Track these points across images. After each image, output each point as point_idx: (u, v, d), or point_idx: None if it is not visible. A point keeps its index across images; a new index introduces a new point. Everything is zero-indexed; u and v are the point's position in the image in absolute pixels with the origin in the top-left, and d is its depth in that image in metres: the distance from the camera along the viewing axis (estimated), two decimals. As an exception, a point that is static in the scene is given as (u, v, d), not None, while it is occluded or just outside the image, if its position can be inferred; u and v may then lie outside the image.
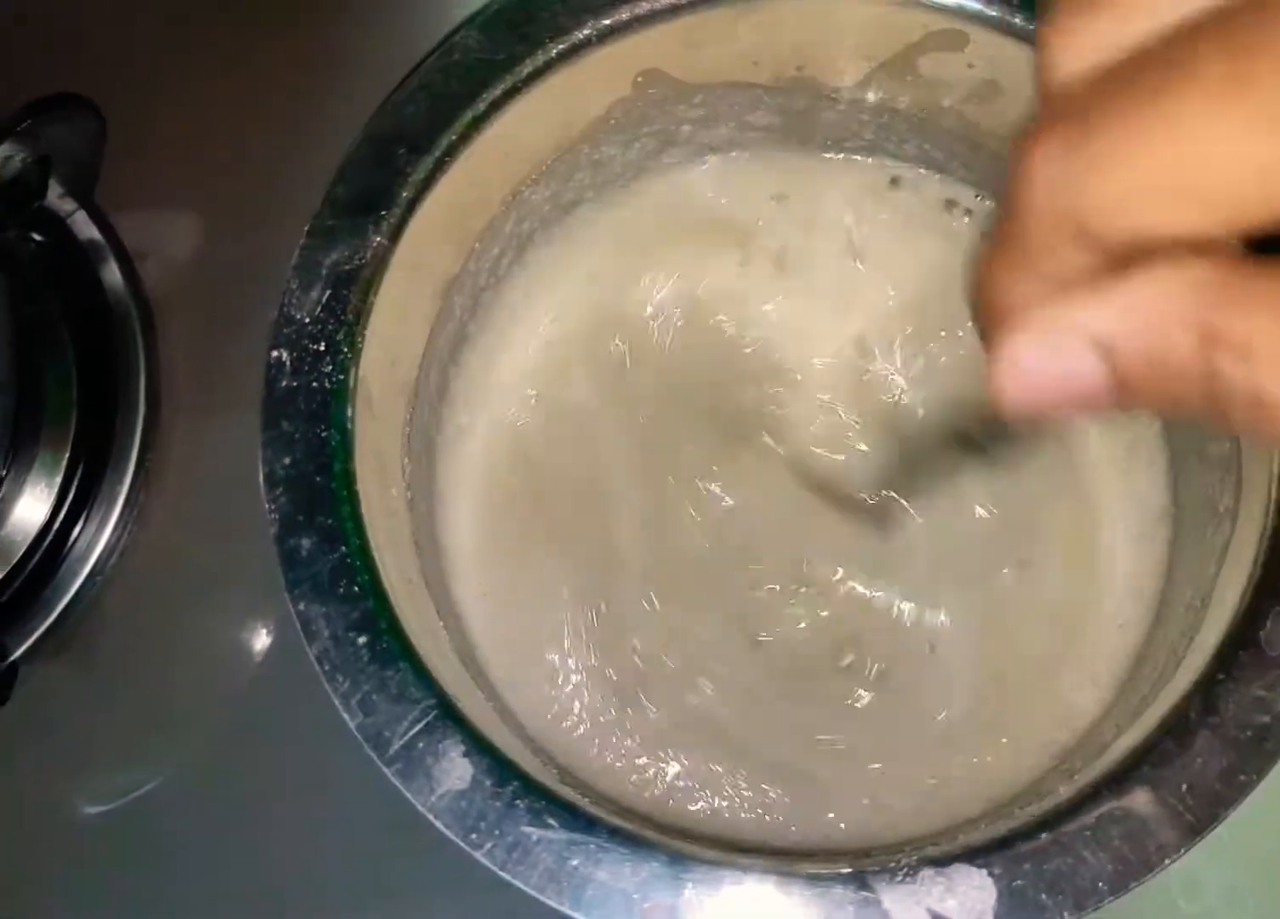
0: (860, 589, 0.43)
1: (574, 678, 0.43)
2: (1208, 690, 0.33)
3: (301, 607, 0.35)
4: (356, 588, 0.35)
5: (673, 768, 0.41)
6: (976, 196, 0.47)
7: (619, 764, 0.41)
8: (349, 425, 0.37)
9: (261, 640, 0.51)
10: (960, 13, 0.40)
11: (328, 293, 0.38)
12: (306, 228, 0.38)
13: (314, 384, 0.37)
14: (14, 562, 0.52)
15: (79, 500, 0.52)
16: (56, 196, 0.54)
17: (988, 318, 0.22)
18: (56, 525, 0.52)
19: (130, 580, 0.52)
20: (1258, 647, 0.33)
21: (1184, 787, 0.32)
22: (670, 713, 0.42)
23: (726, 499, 0.45)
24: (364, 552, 0.35)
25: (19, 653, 0.51)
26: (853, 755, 0.41)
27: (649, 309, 0.47)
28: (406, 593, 0.37)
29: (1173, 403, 0.20)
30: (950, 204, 0.47)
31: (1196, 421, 0.41)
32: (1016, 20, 0.40)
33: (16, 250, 0.53)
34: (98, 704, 0.51)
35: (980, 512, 0.43)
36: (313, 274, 0.38)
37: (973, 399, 0.45)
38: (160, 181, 0.56)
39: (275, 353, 0.37)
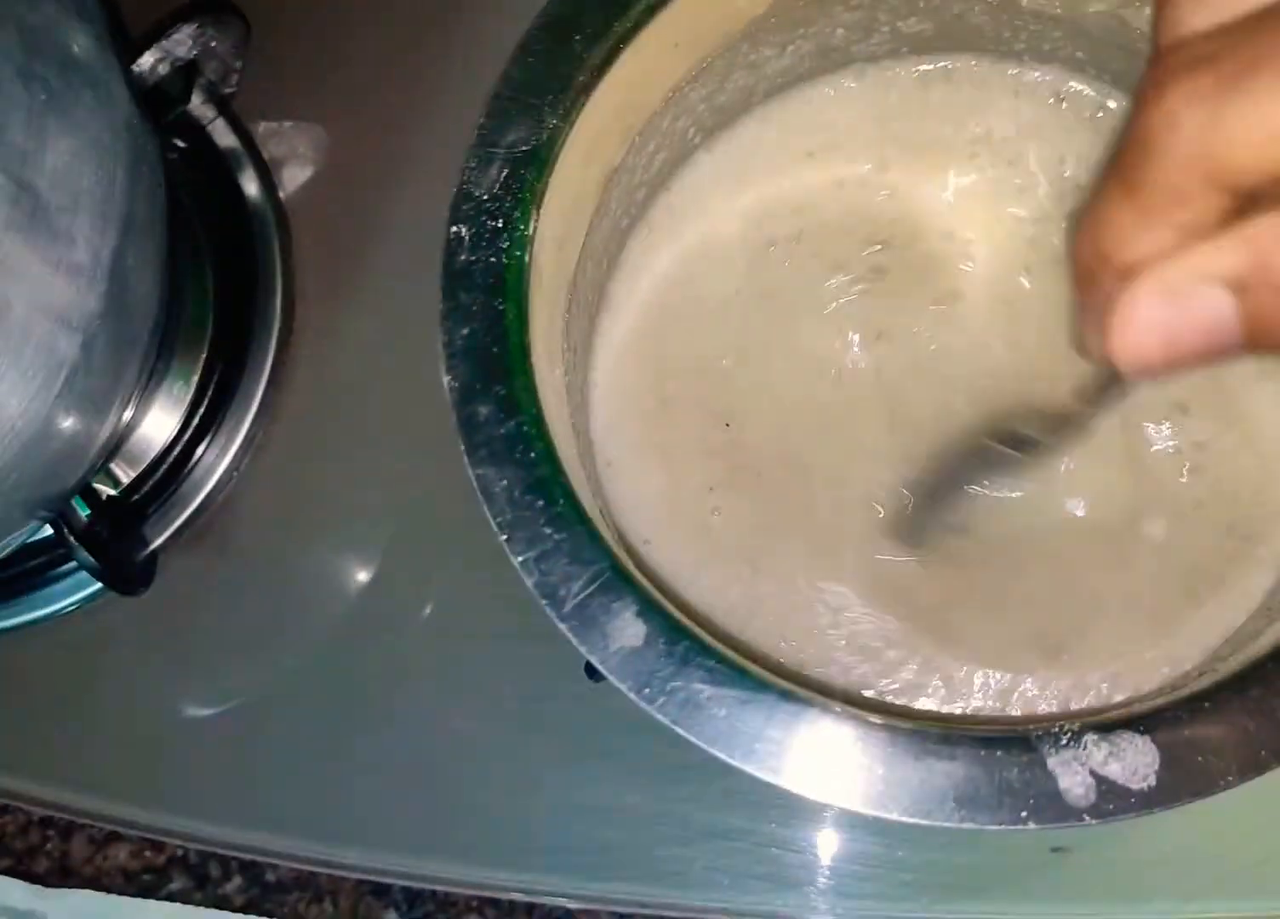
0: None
1: (716, 550, 0.44)
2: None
3: (480, 471, 0.36)
4: (533, 455, 0.36)
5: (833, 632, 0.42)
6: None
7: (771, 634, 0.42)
8: (524, 301, 0.38)
9: (380, 544, 0.53)
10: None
11: (505, 171, 0.38)
12: (485, 108, 0.39)
13: (491, 259, 0.38)
14: (152, 459, 0.53)
15: (215, 401, 0.54)
16: (199, 103, 0.55)
17: (1104, 270, 0.22)
18: (194, 424, 0.53)
19: (263, 479, 0.53)
20: None
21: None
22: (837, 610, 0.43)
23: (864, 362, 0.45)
24: (539, 421, 0.36)
25: (159, 542, 0.53)
26: (1049, 614, 0.42)
27: (799, 215, 0.48)
28: (572, 464, 0.38)
29: None
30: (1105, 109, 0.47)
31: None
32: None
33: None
34: (228, 595, 0.53)
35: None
36: (490, 153, 0.39)
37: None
38: (298, 91, 0.57)
39: (455, 228, 0.38)
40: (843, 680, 0.41)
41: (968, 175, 0.47)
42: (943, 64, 0.48)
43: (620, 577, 0.35)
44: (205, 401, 0.54)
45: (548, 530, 0.35)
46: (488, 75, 0.40)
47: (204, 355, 0.54)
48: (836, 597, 0.43)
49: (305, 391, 0.54)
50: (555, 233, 0.40)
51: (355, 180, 0.56)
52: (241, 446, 0.54)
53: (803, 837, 0.47)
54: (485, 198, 0.38)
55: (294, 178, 0.56)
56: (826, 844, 0.46)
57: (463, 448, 0.36)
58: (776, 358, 0.46)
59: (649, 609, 0.34)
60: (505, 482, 0.35)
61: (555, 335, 0.41)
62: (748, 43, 0.44)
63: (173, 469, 0.54)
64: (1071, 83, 0.47)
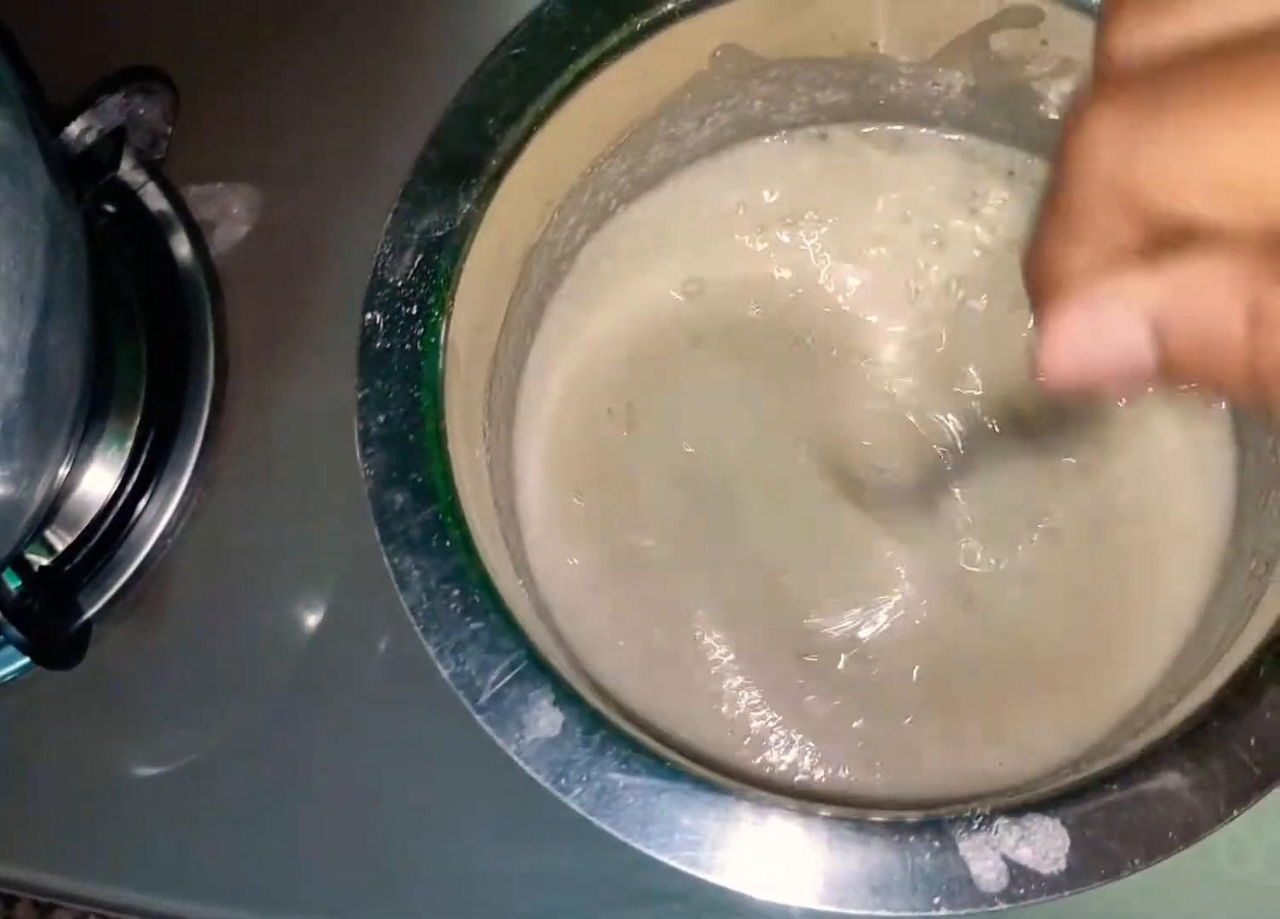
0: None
1: (644, 641, 0.45)
2: (1271, 652, 0.34)
3: (396, 560, 0.36)
4: (449, 543, 0.36)
5: (752, 722, 0.42)
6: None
7: (695, 720, 0.42)
8: (440, 387, 0.38)
9: (322, 604, 0.52)
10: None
11: (419, 258, 0.39)
12: (399, 192, 0.39)
13: (406, 346, 0.38)
14: (86, 525, 0.53)
15: (149, 466, 0.53)
16: (129, 168, 0.55)
17: (1038, 289, 0.22)
18: (128, 489, 0.53)
19: (199, 543, 0.53)
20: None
21: (1251, 741, 0.33)
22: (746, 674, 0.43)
23: (800, 460, 0.46)
24: (455, 508, 0.37)
25: (92, 612, 0.52)
26: (926, 714, 0.43)
27: (720, 283, 0.48)
28: (492, 550, 0.38)
29: (1216, 380, 0.20)
30: (1015, 175, 0.48)
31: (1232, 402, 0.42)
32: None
33: (90, 221, 0.54)
34: (166, 663, 0.52)
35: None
36: (405, 239, 0.39)
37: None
38: (229, 154, 0.57)
39: (369, 315, 0.38)
40: (756, 765, 0.41)
41: (886, 241, 0.48)
42: (863, 131, 0.48)
43: (537, 665, 0.35)
44: (140, 465, 0.53)
45: (464, 620, 0.35)
46: (420, 134, 0.40)
47: (138, 419, 0.54)
48: (745, 681, 0.43)
49: (241, 454, 0.54)
50: (472, 315, 0.40)
51: (288, 243, 0.56)
52: (177, 511, 0.53)
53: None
54: (400, 284, 0.38)
55: (227, 241, 0.56)
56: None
57: (378, 537, 0.36)
58: (697, 428, 0.46)
59: (565, 698, 0.35)
60: (421, 571, 0.36)
61: (475, 415, 0.41)
62: (665, 117, 0.45)
63: (108, 534, 0.53)
64: (988, 148, 0.48)
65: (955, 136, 0.48)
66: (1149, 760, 0.34)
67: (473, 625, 0.35)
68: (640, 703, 0.42)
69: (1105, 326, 0.21)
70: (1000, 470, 0.45)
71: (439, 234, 0.39)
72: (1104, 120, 0.20)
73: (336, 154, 0.56)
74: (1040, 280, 0.22)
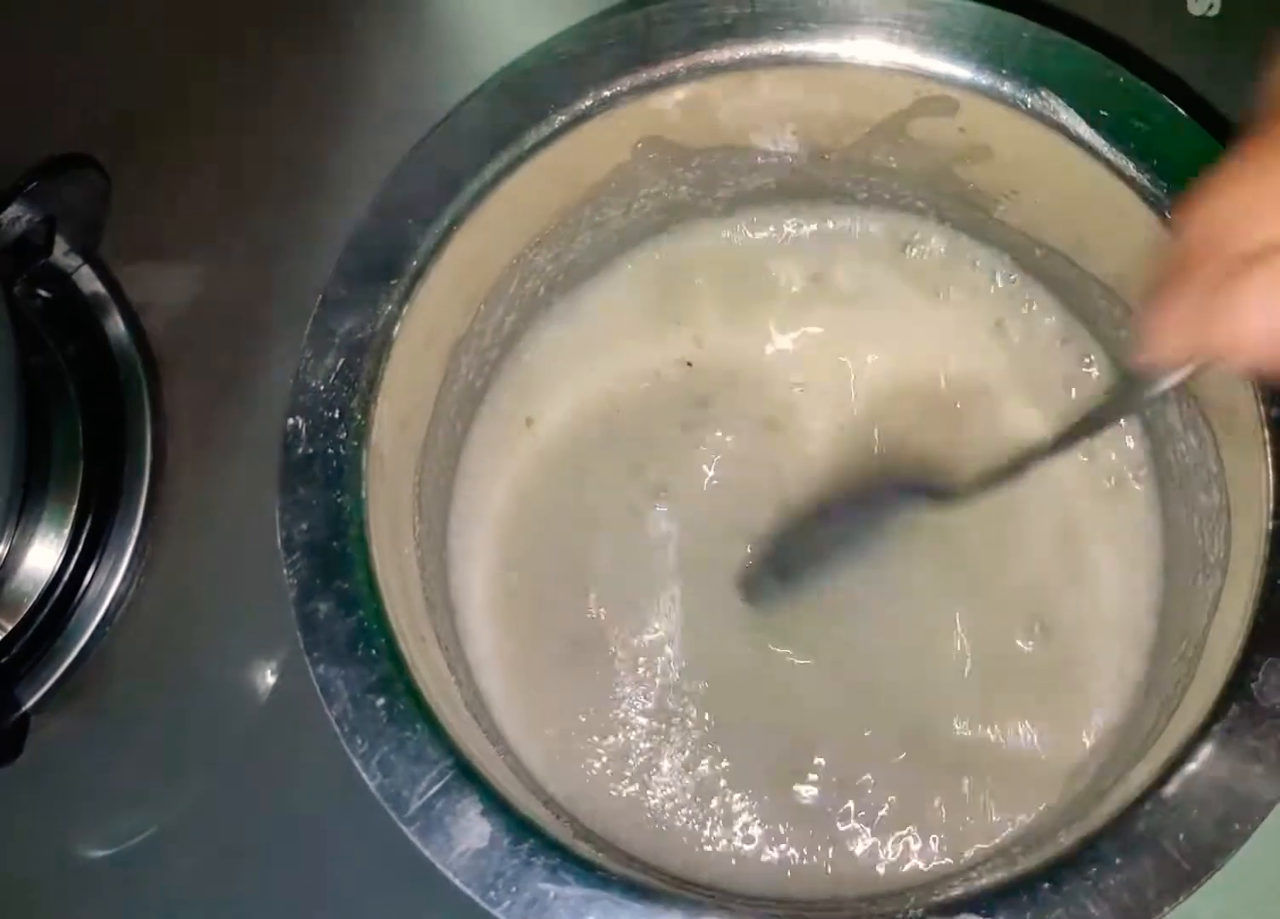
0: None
1: (586, 733, 0.44)
2: (1202, 742, 0.35)
3: (320, 670, 0.35)
4: (374, 651, 0.36)
5: (685, 822, 0.42)
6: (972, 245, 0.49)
7: (632, 816, 0.42)
8: (363, 490, 0.38)
9: (266, 687, 0.52)
10: (950, 81, 0.41)
11: (341, 361, 0.39)
12: (319, 298, 0.39)
13: (329, 451, 0.38)
14: (24, 613, 0.52)
15: (87, 551, 0.53)
16: (62, 253, 0.55)
17: (1217, 257, 0.24)
18: (66, 576, 0.52)
19: (139, 629, 0.53)
20: (1250, 698, 0.35)
21: (1180, 836, 0.34)
22: (679, 773, 0.44)
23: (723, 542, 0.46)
24: (380, 615, 0.36)
25: (30, 704, 0.52)
26: (855, 809, 0.43)
27: (651, 368, 0.48)
28: (420, 651, 0.38)
29: None
30: (958, 258, 0.49)
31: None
32: (1005, 88, 0.41)
33: (24, 305, 0.54)
34: (107, 751, 0.52)
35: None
36: (326, 343, 0.39)
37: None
38: (163, 236, 0.57)
39: (291, 420, 0.38)
40: (679, 863, 0.41)
41: (812, 323, 0.48)
42: (790, 218, 0.49)
43: (465, 774, 0.35)
44: (79, 548, 0.53)
45: (390, 729, 0.35)
46: (355, 214, 0.41)
47: (76, 500, 0.53)
48: (670, 773, 0.44)
49: (180, 533, 0.53)
50: (398, 414, 0.40)
51: (224, 322, 0.56)
52: (117, 594, 0.53)
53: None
54: (321, 388, 0.38)
55: (162, 321, 0.56)
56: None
57: (302, 646, 0.35)
58: (628, 517, 0.46)
59: (494, 807, 0.34)
60: (345, 680, 0.35)
61: (404, 512, 0.41)
62: (591, 207, 0.45)
63: (48, 621, 0.52)
64: (913, 229, 0.48)
65: (881, 215, 0.49)
66: (1080, 856, 0.34)
67: (399, 735, 0.35)
68: (566, 795, 0.42)
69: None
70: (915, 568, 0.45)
71: (360, 336, 0.39)
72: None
73: (268, 234, 0.56)
74: (1217, 245, 0.24)
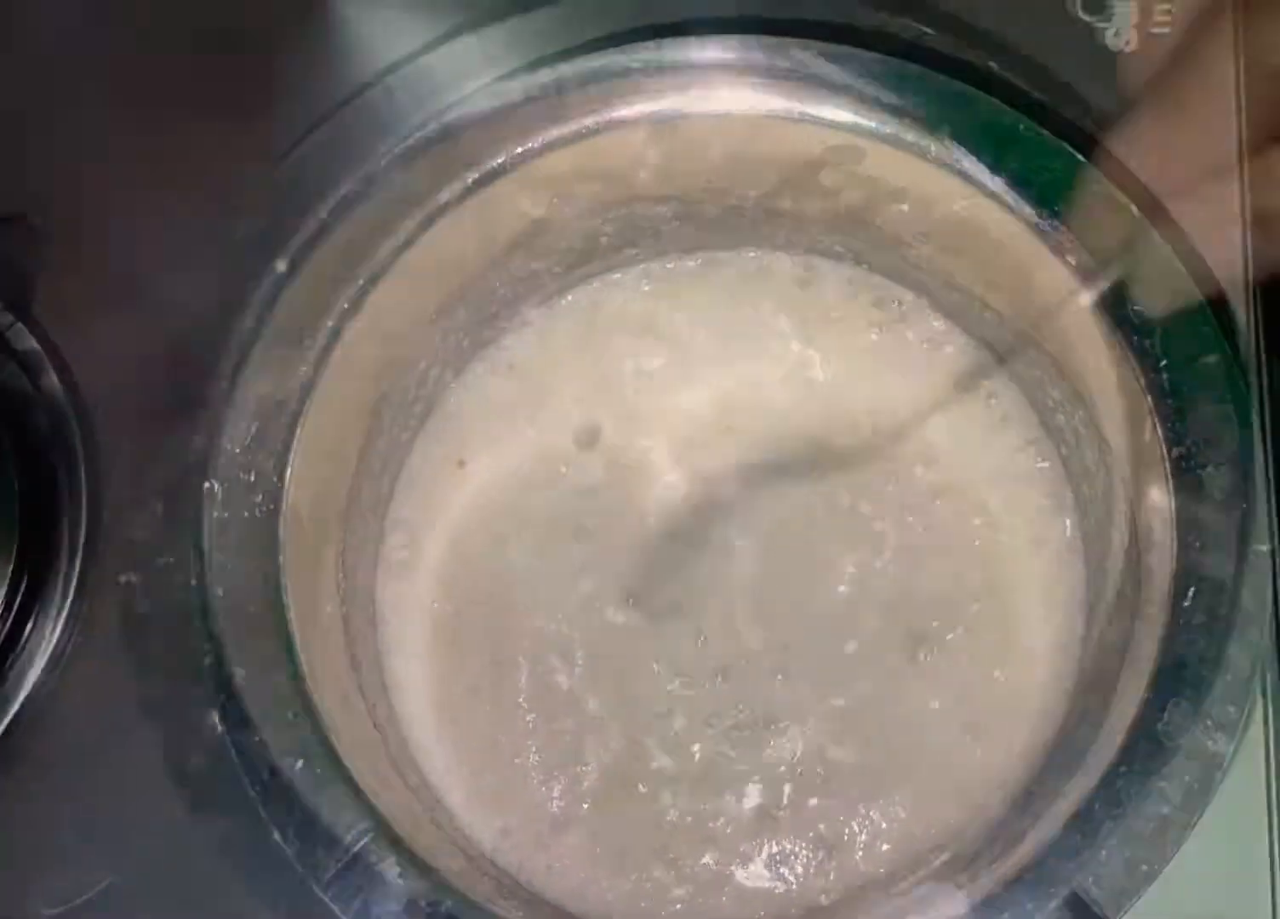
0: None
1: (521, 785, 0.45)
2: (1112, 784, 0.35)
3: (236, 735, 0.36)
4: (290, 714, 0.36)
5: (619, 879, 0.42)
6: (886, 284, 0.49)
7: (563, 874, 0.43)
8: (280, 554, 0.38)
9: (207, 746, 0.52)
10: (856, 129, 0.42)
11: (256, 425, 0.39)
12: (235, 360, 0.40)
13: (245, 515, 0.38)
14: None
15: (22, 612, 0.52)
16: None
17: None
18: (2, 635, 0.52)
19: (77, 685, 0.52)
20: (1156, 739, 0.35)
21: (1091, 879, 0.34)
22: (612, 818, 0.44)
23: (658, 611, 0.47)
24: (298, 678, 0.37)
25: None
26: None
27: (577, 422, 0.49)
28: (342, 711, 0.38)
29: None
30: (873, 300, 0.49)
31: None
32: (909, 137, 0.42)
33: None
34: (43, 815, 0.51)
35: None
36: (242, 407, 0.39)
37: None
38: (98, 292, 0.56)
39: (207, 484, 0.38)
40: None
41: (734, 367, 0.49)
42: (709, 259, 0.50)
43: (383, 837, 0.35)
44: (11, 615, 0.52)
45: (307, 794, 0.35)
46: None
47: (10, 568, 0.53)
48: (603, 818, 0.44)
49: (118, 591, 0.52)
50: (317, 475, 0.40)
51: (160, 377, 0.56)
52: (53, 655, 0.52)
53: None
54: (238, 451, 0.39)
55: (97, 378, 0.55)
56: None
57: (218, 716, 0.36)
58: (549, 582, 0.47)
59: (413, 870, 0.35)
60: (263, 745, 0.36)
61: (326, 572, 0.41)
62: (509, 259, 0.45)
63: None
64: (828, 266, 0.49)
65: (798, 258, 0.50)
66: (991, 903, 0.34)
67: (315, 800, 0.35)
68: (489, 842, 0.42)
69: None
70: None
71: (277, 399, 0.39)
72: None
73: (205, 289, 0.56)
74: None
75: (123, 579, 0.52)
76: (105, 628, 0.52)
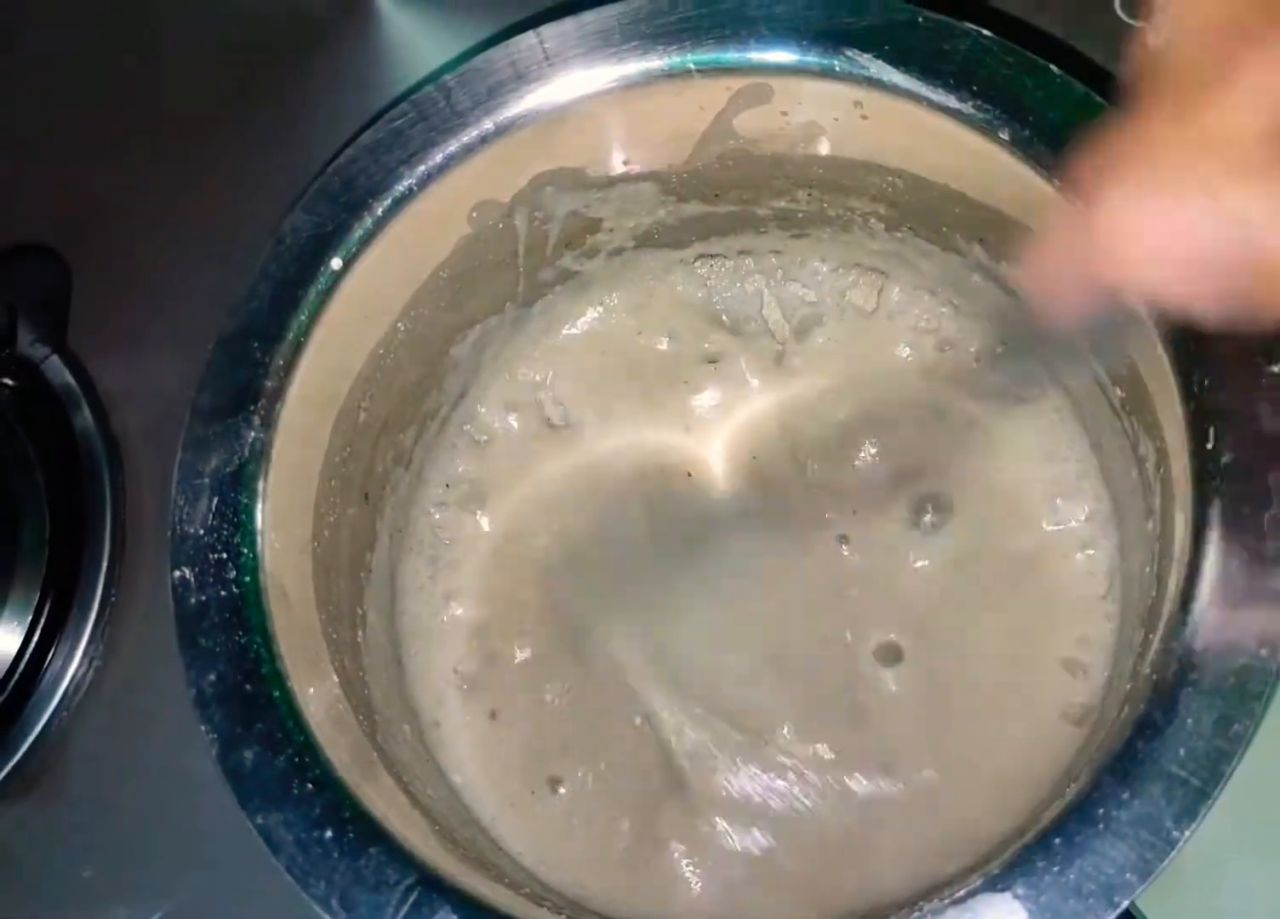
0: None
1: (568, 810, 0.43)
2: (1180, 647, 0.32)
3: (259, 819, 0.34)
4: (310, 785, 0.34)
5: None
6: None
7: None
8: (268, 625, 0.36)
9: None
10: (755, 68, 0.40)
11: (215, 500, 0.38)
12: (180, 442, 0.38)
13: (223, 594, 0.37)
14: None
15: (47, 636, 0.51)
16: (29, 343, 0.55)
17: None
18: (24, 662, 0.51)
19: (96, 716, 0.51)
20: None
21: (1181, 751, 0.31)
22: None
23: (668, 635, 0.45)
24: (310, 748, 0.35)
25: None
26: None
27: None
28: (364, 770, 0.36)
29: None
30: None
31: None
32: (810, 58, 0.40)
33: None
34: (64, 841, 0.50)
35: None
36: (196, 486, 0.38)
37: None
38: (130, 324, 0.56)
39: (177, 573, 0.37)
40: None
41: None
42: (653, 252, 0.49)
43: (431, 888, 0.33)
44: (35, 638, 0.51)
45: (344, 862, 0.33)
46: None
47: (38, 593, 0.52)
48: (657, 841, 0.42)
49: (138, 628, 0.51)
50: (292, 536, 0.39)
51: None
52: (72, 684, 0.51)
53: None
54: (201, 533, 0.37)
55: (130, 412, 0.55)
56: None
57: (236, 802, 0.34)
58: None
59: (468, 913, 0.32)
60: (287, 824, 0.34)
61: (319, 634, 0.39)
62: (442, 288, 0.44)
63: (4, 708, 0.51)
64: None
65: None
66: (1085, 802, 0.31)
67: (354, 866, 0.33)
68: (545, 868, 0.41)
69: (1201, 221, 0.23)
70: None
71: (230, 470, 0.38)
72: None
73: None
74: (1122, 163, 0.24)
75: (148, 608, 0.51)
76: (129, 657, 0.52)
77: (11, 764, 0.50)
